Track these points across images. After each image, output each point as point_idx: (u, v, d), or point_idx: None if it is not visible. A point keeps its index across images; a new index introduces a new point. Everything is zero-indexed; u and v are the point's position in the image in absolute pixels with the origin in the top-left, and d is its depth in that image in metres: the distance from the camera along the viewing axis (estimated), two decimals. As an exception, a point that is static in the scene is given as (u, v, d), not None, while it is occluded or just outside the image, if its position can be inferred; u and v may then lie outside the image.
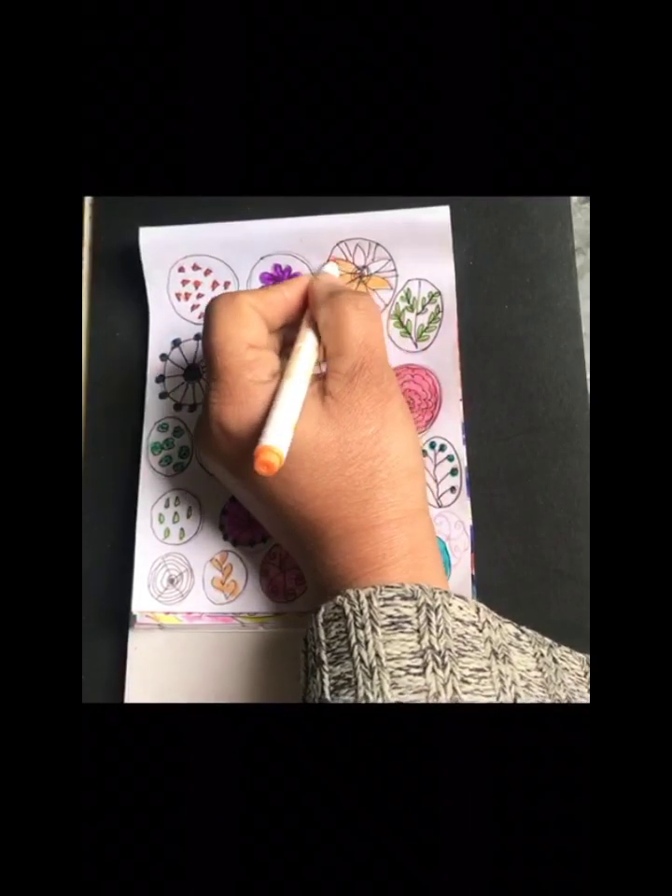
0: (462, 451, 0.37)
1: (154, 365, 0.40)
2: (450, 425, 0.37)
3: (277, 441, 0.28)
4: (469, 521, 0.36)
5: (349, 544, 0.31)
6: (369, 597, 0.29)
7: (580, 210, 0.39)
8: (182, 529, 0.38)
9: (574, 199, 0.39)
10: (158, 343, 0.40)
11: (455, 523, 0.36)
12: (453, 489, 0.37)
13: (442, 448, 0.37)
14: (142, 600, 0.37)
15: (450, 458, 0.37)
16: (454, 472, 0.37)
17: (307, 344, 0.33)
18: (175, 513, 0.38)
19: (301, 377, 0.31)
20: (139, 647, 0.37)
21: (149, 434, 0.39)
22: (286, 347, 0.35)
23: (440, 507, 0.37)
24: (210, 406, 0.32)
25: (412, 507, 0.32)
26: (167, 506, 0.38)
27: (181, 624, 0.37)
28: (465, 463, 0.37)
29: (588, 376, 0.37)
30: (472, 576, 0.36)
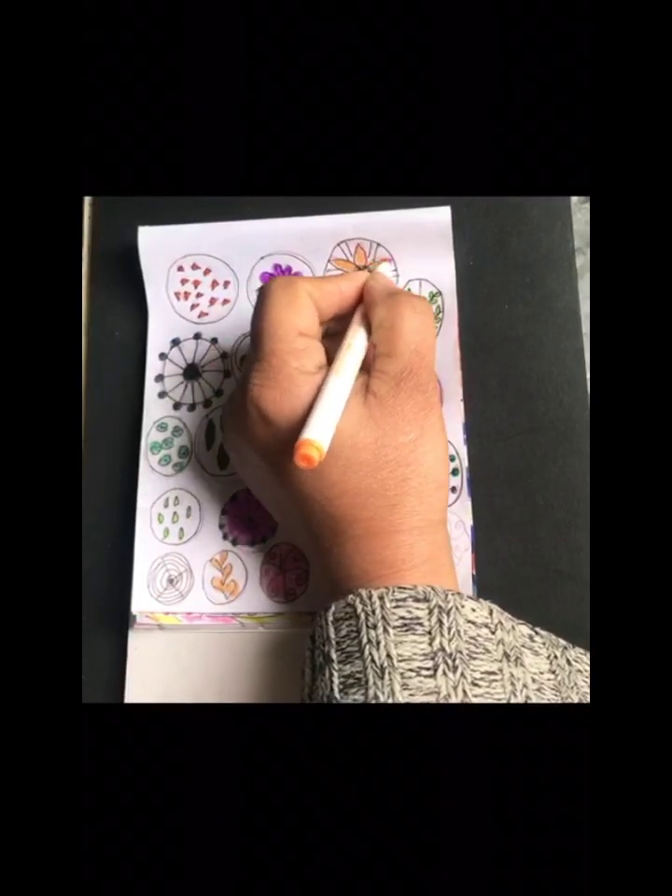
0: (463, 451, 0.37)
1: (153, 364, 0.40)
2: (450, 425, 0.37)
3: (320, 436, 0.28)
4: (469, 521, 0.36)
5: (369, 545, 0.31)
6: (381, 598, 0.29)
7: (580, 210, 0.39)
8: (182, 529, 0.38)
9: (574, 199, 0.39)
10: (157, 342, 0.40)
11: (455, 523, 0.36)
12: (453, 489, 0.37)
13: (442, 448, 0.37)
14: (142, 600, 0.37)
15: (451, 458, 0.37)
16: (454, 472, 0.37)
17: (358, 341, 0.33)
18: (175, 513, 0.38)
19: (349, 374, 0.31)
20: (139, 647, 0.37)
21: (148, 433, 0.39)
22: (325, 338, 0.35)
23: (440, 507, 0.37)
24: (250, 387, 0.32)
25: (435, 518, 0.32)
26: (167, 506, 0.38)
27: (181, 625, 0.37)
28: (466, 463, 0.37)
29: (588, 376, 0.37)
30: (473, 576, 0.36)
